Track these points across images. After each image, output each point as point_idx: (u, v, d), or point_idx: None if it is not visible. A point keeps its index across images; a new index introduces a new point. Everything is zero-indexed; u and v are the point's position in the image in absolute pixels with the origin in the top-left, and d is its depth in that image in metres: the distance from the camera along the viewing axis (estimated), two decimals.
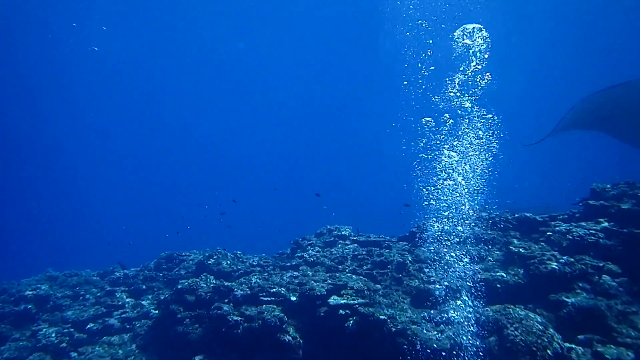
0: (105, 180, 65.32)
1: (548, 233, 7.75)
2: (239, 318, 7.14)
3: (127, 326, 8.77)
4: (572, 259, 6.47)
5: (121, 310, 9.26)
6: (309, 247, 9.84)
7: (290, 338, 6.77)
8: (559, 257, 6.64)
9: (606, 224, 7.33)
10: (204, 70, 51.00)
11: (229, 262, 9.91)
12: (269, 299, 7.59)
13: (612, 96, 8.40)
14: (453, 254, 8.07)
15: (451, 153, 8.34)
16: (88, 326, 8.76)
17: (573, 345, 5.00)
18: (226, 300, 7.70)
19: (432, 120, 8.61)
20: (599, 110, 9.02)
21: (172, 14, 41.52)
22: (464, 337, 5.85)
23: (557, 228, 7.74)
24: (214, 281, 8.51)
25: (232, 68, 51.83)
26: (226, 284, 8.11)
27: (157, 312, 8.80)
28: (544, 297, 6.13)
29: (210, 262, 9.85)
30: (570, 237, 7.18)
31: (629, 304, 5.55)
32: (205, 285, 8.21)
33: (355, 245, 9.76)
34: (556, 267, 6.30)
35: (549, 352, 4.82)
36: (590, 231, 7.09)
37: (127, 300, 9.71)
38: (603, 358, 4.69)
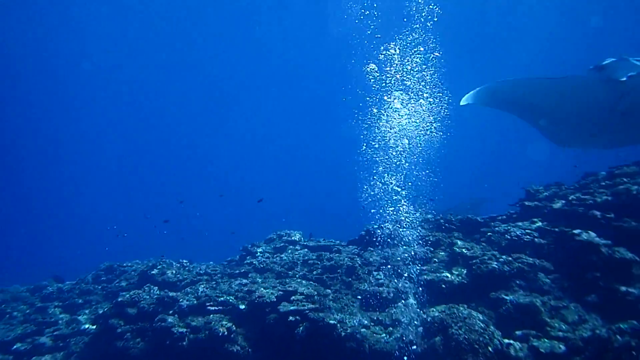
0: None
1: (489, 234, 8.12)
2: (185, 329, 6.86)
3: (61, 344, 8.13)
4: (510, 258, 6.79)
5: (54, 328, 8.58)
6: (258, 254, 9.69)
7: (238, 348, 6.60)
8: (498, 256, 6.95)
9: (540, 223, 7.79)
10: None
11: (174, 271, 9.51)
12: (216, 308, 7.36)
13: (547, 86, 8.39)
14: (400, 257, 8.25)
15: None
16: (15, 346, 8.03)
17: (511, 341, 5.23)
18: (171, 312, 7.37)
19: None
20: (528, 96, 8.97)
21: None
22: (412, 338, 5.97)
23: (497, 228, 8.12)
24: (157, 292, 8.12)
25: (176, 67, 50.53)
26: (171, 294, 7.77)
27: (94, 327, 8.26)
28: (485, 296, 6.38)
29: (154, 272, 9.41)
30: (509, 237, 7.55)
31: (560, 299, 5.92)
32: (148, 297, 7.81)
33: (306, 250, 9.73)
34: (496, 266, 6.59)
35: (490, 349, 5.01)
36: (526, 231, 7.50)
37: (61, 316, 9.03)
38: (538, 352, 4.95)
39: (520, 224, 7.92)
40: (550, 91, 8.40)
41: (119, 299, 7.78)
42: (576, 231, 6.59)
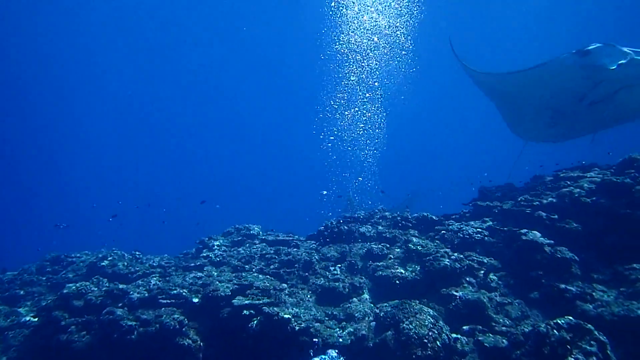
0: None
1: (442, 231, 8.36)
2: (134, 323, 6.62)
3: None
4: (461, 256, 7.02)
5: None
6: (215, 247, 9.51)
7: (190, 342, 6.45)
8: (450, 253, 7.16)
9: (490, 222, 8.12)
10: None
11: (125, 263, 9.17)
12: (168, 301, 7.15)
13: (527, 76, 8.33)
14: (357, 253, 8.36)
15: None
16: None
17: (459, 336, 5.43)
18: (120, 305, 7.09)
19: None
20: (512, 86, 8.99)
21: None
22: (364, 332, 6.06)
23: (450, 227, 8.38)
24: (107, 284, 7.81)
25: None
26: (121, 286, 7.47)
27: (36, 320, 7.82)
28: (437, 291, 6.56)
29: (104, 263, 9.03)
30: (461, 235, 7.82)
31: (506, 295, 6.20)
32: (96, 289, 7.49)
33: (264, 244, 9.65)
34: (448, 263, 6.78)
35: (438, 343, 5.16)
36: (477, 229, 7.79)
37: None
38: (482, 346, 5.16)
39: (472, 222, 8.22)
40: (526, 81, 8.39)
41: (65, 291, 7.40)
42: (523, 231, 6.92)
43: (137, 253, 10.06)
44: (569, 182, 7.99)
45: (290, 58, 51.34)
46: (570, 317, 4.85)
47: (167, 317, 6.57)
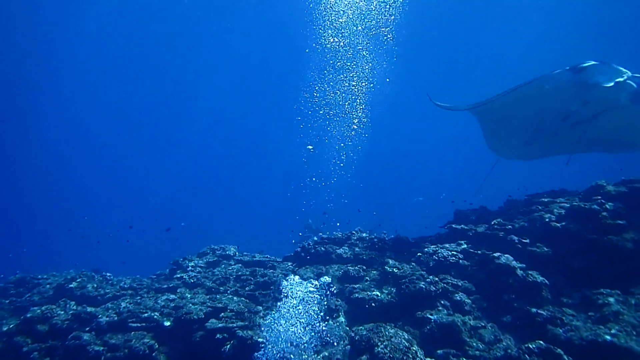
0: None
1: (418, 254, 8.42)
2: (101, 348, 6.39)
3: None
4: (436, 279, 7.07)
5: None
6: (189, 268, 9.31)
7: None
8: (426, 276, 7.21)
9: (465, 245, 8.23)
10: None
11: (95, 285, 8.88)
12: (139, 325, 6.96)
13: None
14: (334, 274, 8.32)
15: None
16: None
17: None
18: (87, 329, 6.86)
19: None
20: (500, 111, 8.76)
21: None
22: (339, 357, 6.00)
23: (426, 249, 8.44)
24: (74, 307, 7.54)
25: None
26: (89, 310, 7.23)
27: None
28: (412, 314, 6.56)
29: (72, 285, 8.72)
30: (436, 258, 7.89)
31: (479, 319, 6.25)
32: (62, 313, 7.22)
33: (240, 265, 9.52)
34: (423, 286, 6.82)
35: None
36: (452, 252, 7.88)
37: None
38: None
39: (447, 245, 8.32)
40: (516, 99, 8.13)
41: (29, 315, 7.11)
42: (496, 254, 7.05)
43: (108, 274, 9.75)
44: (540, 207, 8.22)
45: (262, 74, 51.28)
46: (541, 342, 4.94)
47: (136, 342, 6.39)
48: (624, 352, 4.73)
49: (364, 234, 10.08)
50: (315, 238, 9.79)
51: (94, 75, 47.12)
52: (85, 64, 44.83)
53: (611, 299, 5.69)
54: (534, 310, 6.01)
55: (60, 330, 6.86)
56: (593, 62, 7.15)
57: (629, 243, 6.43)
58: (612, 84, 6.94)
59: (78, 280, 8.92)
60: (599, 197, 7.39)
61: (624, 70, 7.08)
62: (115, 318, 7.03)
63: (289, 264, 9.69)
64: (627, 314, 5.31)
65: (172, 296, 7.98)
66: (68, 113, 52.29)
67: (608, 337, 4.97)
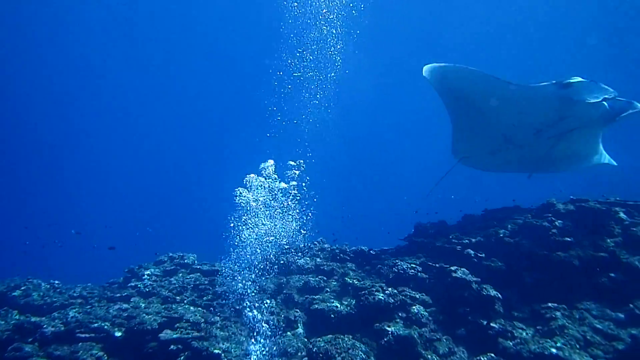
0: None
1: (379, 266, 8.52)
2: None
3: None
4: (395, 291, 7.17)
5: None
6: (145, 276, 8.99)
7: None
8: (385, 288, 7.29)
9: (424, 258, 8.39)
10: None
11: (41, 293, 8.39)
12: (87, 335, 6.63)
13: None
14: (294, 285, 8.28)
15: None
16: None
17: None
18: (30, 340, 6.46)
19: None
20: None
21: None
22: None
23: (386, 261, 8.55)
24: (17, 317, 7.10)
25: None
26: (33, 319, 6.82)
27: None
28: (370, 326, 6.61)
29: (16, 293, 8.20)
30: (396, 270, 7.98)
31: (435, 331, 6.37)
32: (3, 322, 6.78)
33: (198, 274, 9.29)
34: (382, 298, 6.90)
35: None
36: (411, 265, 8.01)
37: None
38: None
39: (407, 258, 8.46)
40: (495, 92, 7.79)
41: None
42: (453, 268, 7.23)
43: (56, 282, 9.24)
44: (495, 222, 8.53)
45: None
46: (492, 354, 5.12)
47: (84, 353, 6.10)
48: None
49: (326, 245, 10.10)
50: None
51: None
52: None
53: (557, 313, 5.97)
54: (486, 323, 6.21)
55: None
56: (580, 79, 7.16)
57: (575, 260, 6.78)
58: (596, 101, 7.00)
59: (22, 288, 8.41)
60: (550, 215, 7.77)
61: (611, 89, 7.13)
62: (62, 328, 6.66)
63: (249, 274, 9.54)
64: (571, 328, 5.59)
65: (125, 305, 7.67)
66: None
67: (554, 350, 5.20)
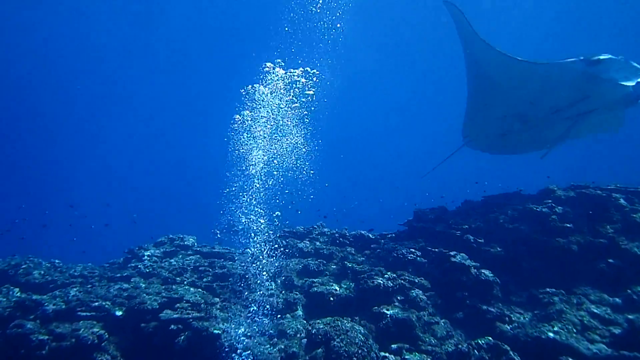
0: None
1: (378, 250, 8.56)
2: (46, 337, 6.07)
3: None
4: (394, 275, 7.22)
5: None
6: (145, 257, 9.02)
7: (109, 357, 6.03)
8: (384, 272, 7.35)
9: (423, 243, 8.42)
10: None
11: (42, 272, 8.42)
12: (88, 314, 6.67)
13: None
14: (293, 268, 8.31)
15: None
16: None
17: (387, 354, 5.53)
18: (32, 317, 6.50)
19: None
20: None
21: None
22: (295, 350, 6.00)
23: (386, 246, 8.60)
24: (18, 294, 7.13)
25: None
26: (34, 297, 6.86)
27: None
28: (369, 309, 6.66)
29: (17, 271, 8.23)
30: (395, 255, 8.03)
31: (433, 315, 6.43)
32: (4, 299, 6.80)
33: (198, 256, 9.32)
34: (381, 282, 6.94)
35: None
36: (411, 250, 8.05)
37: None
38: None
39: (406, 242, 8.49)
40: (519, 72, 7.45)
41: None
42: (452, 253, 7.26)
43: (57, 261, 9.28)
44: (495, 208, 8.53)
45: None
46: (490, 338, 5.14)
47: (85, 331, 6.13)
48: (564, 349, 5.01)
49: (326, 229, 10.12)
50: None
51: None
52: None
53: (555, 298, 6.00)
54: (484, 307, 6.26)
55: (1, 318, 6.46)
56: (610, 56, 6.72)
57: (574, 245, 6.80)
58: (629, 83, 6.55)
59: (23, 266, 8.43)
60: (550, 201, 7.77)
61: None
62: (63, 306, 6.71)
63: (249, 256, 9.58)
64: (569, 313, 5.62)
65: (126, 285, 7.71)
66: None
67: (551, 335, 5.25)
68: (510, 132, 8.80)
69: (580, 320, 5.44)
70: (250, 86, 8.86)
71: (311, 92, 8.96)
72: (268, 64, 8.88)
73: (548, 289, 6.27)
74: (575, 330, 5.28)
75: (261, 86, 8.93)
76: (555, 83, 7.32)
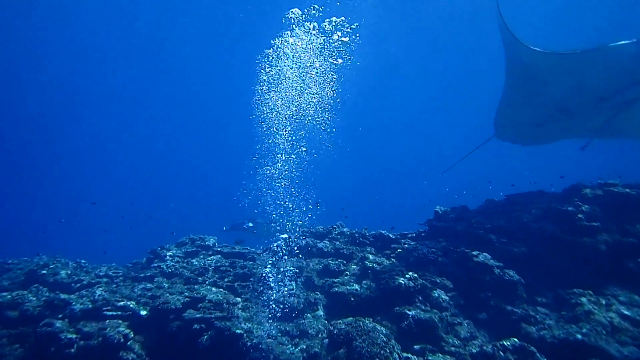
0: None
1: (398, 250, 8.49)
2: (75, 335, 6.24)
3: None
4: (415, 275, 7.15)
5: None
6: (167, 257, 9.17)
7: (134, 356, 6.14)
8: (405, 272, 7.28)
9: (445, 243, 8.32)
10: None
11: (69, 271, 8.64)
12: (114, 313, 6.82)
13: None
14: (314, 268, 8.32)
15: None
16: None
17: (409, 355, 5.48)
18: (60, 316, 6.69)
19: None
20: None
21: None
22: (317, 350, 6.01)
23: (406, 245, 8.53)
24: (47, 294, 7.34)
25: None
26: (62, 297, 7.06)
27: None
28: (390, 309, 6.62)
29: (44, 271, 8.46)
30: (416, 254, 7.96)
31: (456, 315, 6.35)
32: (34, 299, 7.02)
33: (219, 256, 9.42)
34: (402, 282, 6.89)
35: None
36: (432, 249, 7.97)
37: None
38: None
39: (427, 242, 8.41)
40: (562, 65, 7.08)
41: None
42: (474, 252, 7.15)
43: (83, 261, 9.53)
44: (518, 207, 8.37)
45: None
46: (515, 339, 5.05)
47: (111, 330, 6.26)
48: (594, 351, 4.87)
49: (345, 229, 10.10)
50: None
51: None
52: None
53: (583, 299, 5.85)
54: (509, 308, 6.15)
55: (31, 316, 6.68)
56: None
57: (602, 245, 6.62)
58: None
59: (51, 266, 8.68)
60: (576, 199, 7.57)
61: None
62: (90, 306, 6.88)
63: (269, 256, 9.65)
64: (598, 314, 5.47)
65: (149, 285, 7.86)
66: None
67: (579, 336, 5.11)
68: (547, 122, 8.41)
69: (610, 322, 5.29)
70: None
71: (346, 40, 8.79)
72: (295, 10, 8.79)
73: (575, 290, 6.11)
74: (604, 332, 5.13)
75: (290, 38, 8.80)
76: (603, 68, 6.88)
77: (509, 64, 8.11)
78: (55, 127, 54.82)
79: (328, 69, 9.04)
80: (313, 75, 8.99)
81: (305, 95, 9.01)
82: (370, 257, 8.28)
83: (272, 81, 9.06)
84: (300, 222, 8.62)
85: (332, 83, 9.12)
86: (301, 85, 9.02)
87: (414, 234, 9.45)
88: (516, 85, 8.33)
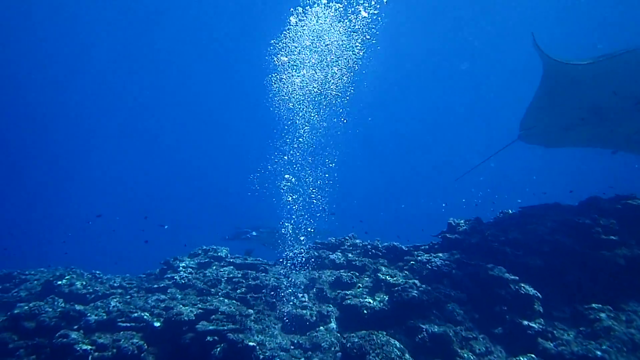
0: None
1: (411, 262, 8.42)
2: (89, 347, 6.29)
3: None
4: (429, 288, 7.08)
5: None
6: (180, 268, 9.22)
7: None
8: (419, 285, 7.22)
9: (458, 255, 8.23)
10: None
11: (84, 282, 8.75)
12: (128, 324, 6.87)
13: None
14: (326, 280, 8.29)
15: None
16: None
17: None
18: (75, 327, 6.75)
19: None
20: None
21: None
22: None
23: (419, 258, 8.44)
24: (62, 305, 7.43)
25: None
26: (78, 307, 7.12)
27: None
28: (404, 323, 6.55)
29: (60, 282, 8.58)
30: (430, 267, 7.89)
31: (471, 330, 6.25)
32: (50, 310, 7.09)
33: (231, 267, 9.44)
34: (416, 295, 6.81)
35: None
36: (445, 262, 7.89)
37: None
38: None
39: (440, 254, 8.32)
40: (600, 72, 6.99)
41: (15, 311, 6.98)
42: (489, 266, 7.07)
43: (97, 272, 9.64)
44: (533, 220, 8.26)
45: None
46: (532, 355, 4.97)
47: (125, 342, 6.30)
48: None
49: (357, 241, 10.06)
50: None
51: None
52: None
53: (603, 315, 5.73)
54: (525, 323, 6.03)
55: (47, 327, 6.74)
56: None
57: (621, 259, 6.49)
58: None
59: (67, 277, 8.79)
60: (593, 212, 7.45)
61: None
62: (105, 317, 6.94)
63: (281, 267, 9.64)
64: (618, 330, 5.35)
65: (163, 296, 7.90)
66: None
67: (599, 353, 5.00)
68: (577, 125, 8.26)
69: (631, 339, 5.17)
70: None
71: (365, 14, 8.77)
72: None
73: (594, 305, 5.99)
74: (625, 349, 5.02)
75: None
76: (628, 70, 6.77)
77: (545, 77, 8.02)
78: (70, 136, 55.96)
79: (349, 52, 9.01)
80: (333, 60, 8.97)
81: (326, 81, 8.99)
82: (383, 269, 8.22)
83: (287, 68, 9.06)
84: (311, 230, 8.59)
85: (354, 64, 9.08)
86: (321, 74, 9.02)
87: (427, 246, 9.37)
88: (551, 91, 8.22)
